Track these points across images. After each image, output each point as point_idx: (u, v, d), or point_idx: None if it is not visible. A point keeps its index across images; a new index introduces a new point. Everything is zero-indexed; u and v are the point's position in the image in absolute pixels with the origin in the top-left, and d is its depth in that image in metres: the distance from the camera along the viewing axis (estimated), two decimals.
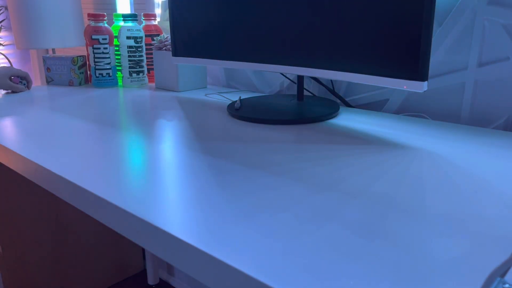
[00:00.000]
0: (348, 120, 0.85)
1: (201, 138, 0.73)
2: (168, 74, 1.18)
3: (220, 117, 0.88)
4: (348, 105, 0.99)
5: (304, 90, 1.08)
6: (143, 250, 1.72)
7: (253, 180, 0.55)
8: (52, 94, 1.15)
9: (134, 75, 1.27)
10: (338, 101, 1.02)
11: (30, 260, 1.39)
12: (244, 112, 0.87)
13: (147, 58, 1.29)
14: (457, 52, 0.82)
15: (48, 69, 1.31)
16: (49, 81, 1.32)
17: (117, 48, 1.27)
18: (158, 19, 1.45)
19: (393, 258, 0.37)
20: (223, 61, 0.96)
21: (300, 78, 0.93)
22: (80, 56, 1.28)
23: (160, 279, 1.70)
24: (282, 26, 0.83)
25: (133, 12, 1.56)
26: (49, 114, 0.92)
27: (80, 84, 1.29)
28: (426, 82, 0.66)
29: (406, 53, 0.67)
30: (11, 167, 0.71)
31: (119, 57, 1.28)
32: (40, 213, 1.38)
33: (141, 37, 1.24)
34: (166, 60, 1.17)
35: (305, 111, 0.87)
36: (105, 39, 1.22)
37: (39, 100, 1.07)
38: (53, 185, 0.60)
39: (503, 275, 0.34)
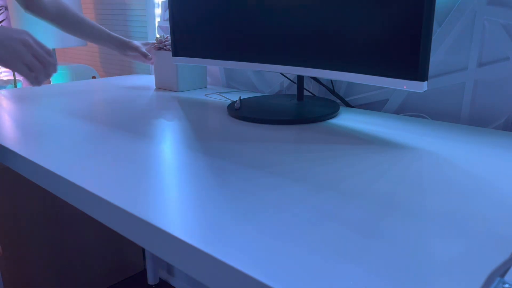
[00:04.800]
0: (348, 120, 0.85)
1: (201, 138, 0.73)
2: (168, 74, 1.18)
3: (220, 117, 0.88)
4: (348, 105, 0.99)
5: (304, 90, 1.08)
6: (143, 250, 1.72)
7: (253, 180, 0.55)
8: (51, 93, 1.15)
9: None
10: (338, 101, 1.02)
11: (30, 260, 1.39)
12: (244, 112, 0.87)
13: None
14: (457, 52, 0.82)
15: None
16: None
17: None
18: (158, 19, 1.45)
19: (393, 258, 0.37)
20: (223, 61, 0.96)
21: (300, 78, 0.93)
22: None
23: (160, 279, 1.70)
24: (282, 26, 0.83)
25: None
26: (48, 114, 0.92)
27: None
28: (426, 82, 0.66)
29: (406, 53, 0.67)
30: (11, 167, 0.71)
31: None
32: (40, 213, 1.38)
33: None
34: (166, 60, 1.17)
35: (305, 111, 0.87)
36: None
37: (39, 99, 1.07)
38: (53, 185, 0.60)
39: (503, 275, 0.35)
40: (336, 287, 0.34)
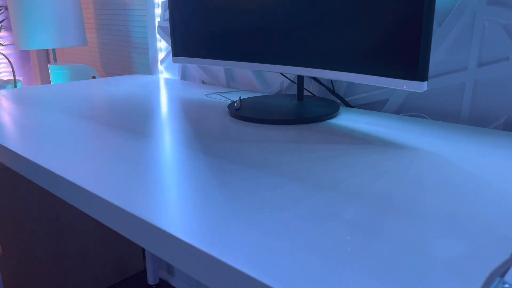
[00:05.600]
0: (348, 120, 0.85)
1: (201, 138, 0.73)
2: None
3: (220, 117, 0.88)
4: (348, 105, 0.99)
5: (304, 90, 1.08)
6: (143, 250, 1.72)
7: (253, 180, 0.55)
8: (51, 93, 1.15)
9: None
10: (338, 101, 1.02)
11: (30, 260, 1.39)
12: (244, 112, 0.87)
13: None
14: (457, 52, 0.82)
15: None
16: None
17: None
18: (158, 19, 1.45)
19: (393, 258, 0.37)
20: (223, 61, 0.96)
21: (300, 78, 0.93)
22: None
23: (160, 279, 1.70)
24: (282, 26, 0.83)
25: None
26: (48, 114, 0.92)
27: None
28: (426, 82, 0.66)
29: (406, 53, 0.67)
30: (11, 167, 0.71)
31: None
32: (40, 213, 1.38)
33: None
34: None
35: (305, 111, 0.87)
36: None
37: (39, 99, 1.07)
38: (53, 185, 0.60)
39: (503, 275, 0.35)
40: (336, 287, 0.34)
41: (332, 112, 0.86)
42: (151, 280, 1.66)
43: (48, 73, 2.18)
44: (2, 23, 2.12)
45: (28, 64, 2.28)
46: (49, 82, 1.97)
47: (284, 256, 0.38)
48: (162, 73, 1.48)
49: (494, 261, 0.36)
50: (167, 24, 1.40)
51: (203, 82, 1.33)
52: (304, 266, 0.36)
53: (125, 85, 1.28)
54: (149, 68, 1.56)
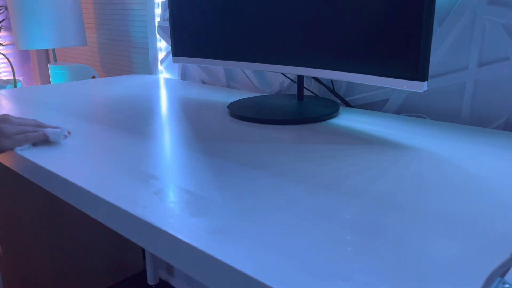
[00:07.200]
0: (348, 120, 0.85)
1: (201, 138, 0.73)
2: None
3: (220, 117, 0.88)
4: (348, 105, 0.99)
5: (305, 90, 1.08)
6: (143, 250, 1.72)
7: (253, 180, 0.55)
8: (51, 93, 1.15)
9: None
10: (338, 101, 1.02)
11: (30, 260, 1.39)
12: (244, 112, 0.87)
13: None
14: (457, 52, 0.82)
15: None
16: None
17: None
18: (158, 19, 1.45)
19: (393, 258, 0.37)
20: (223, 61, 0.96)
21: (300, 78, 0.93)
22: None
23: (160, 279, 1.70)
24: (282, 26, 0.83)
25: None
26: (48, 114, 0.91)
27: None
28: (426, 82, 0.66)
29: (406, 53, 0.67)
30: (11, 167, 0.71)
31: None
32: (40, 213, 1.38)
33: None
34: None
35: (305, 111, 0.87)
36: None
37: (39, 99, 1.07)
38: (53, 185, 0.60)
39: (503, 275, 0.34)
40: (335, 287, 0.34)
41: (332, 112, 0.86)
42: (151, 280, 1.66)
43: (48, 73, 2.18)
44: (2, 23, 2.12)
45: (28, 64, 2.28)
46: (49, 82, 1.97)
47: (283, 256, 0.38)
48: (162, 73, 1.48)
49: (494, 261, 0.36)
50: (167, 24, 1.40)
51: (203, 82, 1.33)
52: (303, 266, 0.36)
53: (125, 85, 1.28)
54: (149, 68, 1.56)
